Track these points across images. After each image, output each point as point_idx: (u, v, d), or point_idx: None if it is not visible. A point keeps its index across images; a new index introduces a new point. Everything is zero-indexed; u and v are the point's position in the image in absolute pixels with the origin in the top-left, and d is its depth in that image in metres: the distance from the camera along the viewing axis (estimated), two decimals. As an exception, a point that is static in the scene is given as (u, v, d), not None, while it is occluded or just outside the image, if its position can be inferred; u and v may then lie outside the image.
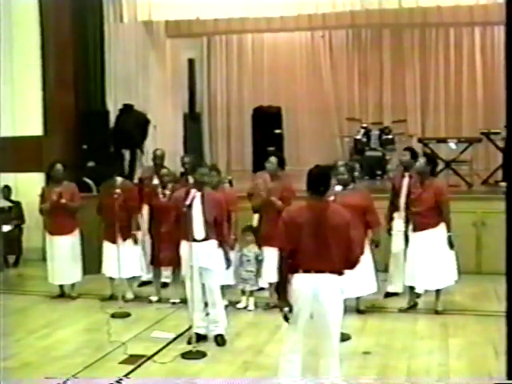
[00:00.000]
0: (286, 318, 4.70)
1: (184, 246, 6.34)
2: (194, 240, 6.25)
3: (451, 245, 7.06)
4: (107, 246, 8.01)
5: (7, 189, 10.19)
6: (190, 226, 6.21)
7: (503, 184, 8.53)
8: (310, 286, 4.62)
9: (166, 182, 7.94)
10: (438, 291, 7.28)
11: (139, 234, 8.16)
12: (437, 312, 7.20)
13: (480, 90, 13.99)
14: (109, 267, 8.01)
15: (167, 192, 7.89)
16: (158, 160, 8.50)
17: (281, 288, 4.79)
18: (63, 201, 8.08)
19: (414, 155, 7.72)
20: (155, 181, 8.35)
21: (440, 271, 7.12)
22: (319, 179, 4.78)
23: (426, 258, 7.07)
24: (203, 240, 6.33)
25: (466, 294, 7.91)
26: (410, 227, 7.27)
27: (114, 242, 7.73)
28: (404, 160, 7.80)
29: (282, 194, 7.39)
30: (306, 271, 4.64)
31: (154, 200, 7.98)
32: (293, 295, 4.69)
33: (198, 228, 6.31)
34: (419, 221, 7.10)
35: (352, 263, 4.84)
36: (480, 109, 13.88)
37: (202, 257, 6.28)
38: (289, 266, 4.71)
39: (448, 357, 5.93)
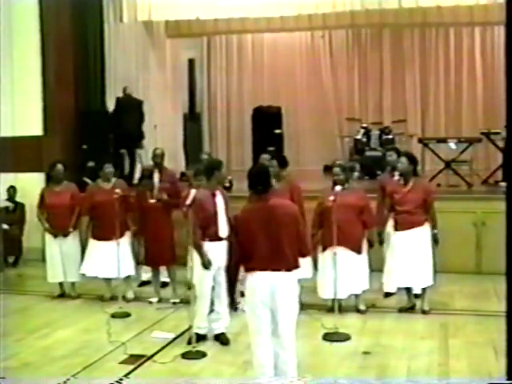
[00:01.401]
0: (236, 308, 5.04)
1: (209, 246, 6.33)
2: (220, 239, 6.28)
3: (436, 241, 7.10)
4: (100, 245, 7.97)
5: (12, 189, 10.20)
6: (216, 225, 6.24)
7: (503, 184, 8.53)
8: (267, 285, 4.63)
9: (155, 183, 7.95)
10: (423, 290, 7.26)
11: (127, 234, 8.06)
12: (423, 312, 7.19)
13: (480, 90, 13.98)
14: (104, 267, 7.97)
15: (155, 193, 7.89)
16: (158, 159, 8.52)
17: (232, 290, 4.91)
18: (70, 230, 8.17)
19: (399, 154, 7.77)
20: (155, 180, 8.36)
21: (427, 269, 7.13)
22: (257, 179, 4.81)
23: (414, 257, 7.07)
24: (226, 238, 6.31)
25: (466, 294, 7.92)
26: (391, 226, 7.28)
27: (105, 240, 7.77)
28: (391, 160, 7.84)
29: (291, 194, 7.14)
30: (262, 270, 4.65)
31: (143, 201, 7.97)
32: (251, 296, 4.71)
33: (223, 226, 6.33)
34: (406, 220, 7.11)
35: (306, 252, 4.93)
36: (480, 109, 13.87)
37: (222, 255, 6.28)
38: (238, 269, 4.79)
39: (448, 357, 5.93)
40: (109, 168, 8.09)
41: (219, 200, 6.36)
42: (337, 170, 7.17)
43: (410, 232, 7.10)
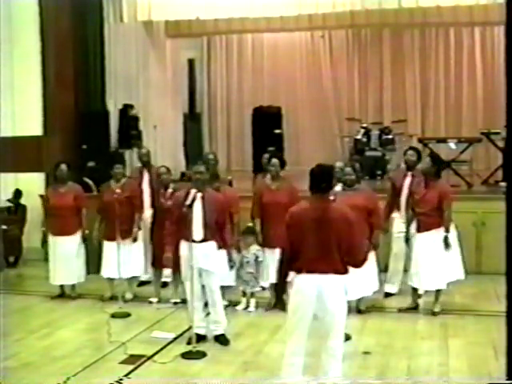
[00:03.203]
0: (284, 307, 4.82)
1: (183, 246, 6.34)
2: (193, 241, 6.26)
3: (447, 245, 7.07)
4: (108, 246, 8.00)
5: (19, 192, 10.18)
6: (190, 226, 6.21)
7: (503, 184, 8.51)
8: (314, 287, 4.57)
9: (166, 182, 7.90)
10: (437, 292, 7.28)
11: (140, 234, 8.11)
12: (434, 313, 7.20)
13: (480, 90, 14.00)
14: (109, 267, 7.99)
15: (168, 193, 7.86)
16: (145, 158, 8.52)
17: (280, 289, 4.79)
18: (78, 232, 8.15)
19: (419, 155, 7.75)
20: (145, 180, 8.34)
21: (442, 271, 7.14)
22: (322, 177, 4.72)
23: (430, 259, 7.08)
24: (202, 241, 6.30)
25: (465, 294, 7.91)
26: (413, 228, 7.26)
27: (111, 240, 7.76)
28: (412, 160, 7.75)
29: (290, 194, 7.20)
30: (310, 272, 4.59)
31: (156, 201, 7.95)
32: (296, 296, 4.66)
33: (197, 229, 6.29)
34: (423, 221, 7.11)
35: (359, 262, 4.83)
36: (480, 109, 13.89)
37: (201, 258, 6.27)
38: (289, 267, 4.69)
39: (448, 357, 5.94)
40: (118, 169, 8.11)
41: (196, 203, 6.24)
42: (348, 169, 7.07)
43: (427, 234, 7.08)
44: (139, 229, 8.07)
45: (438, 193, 7.09)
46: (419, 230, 7.15)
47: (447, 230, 7.07)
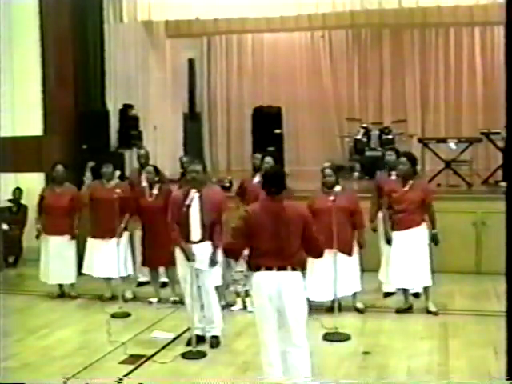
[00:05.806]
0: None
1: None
2: (191, 241, 6.24)
3: (436, 242, 7.10)
4: (94, 244, 8.00)
5: (18, 191, 10.19)
6: (188, 227, 6.21)
7: (503, 184, 8.51)
8: (273, 284, 4.71)
9: (152, 181, 7.87)
10: (426, 291, 7.27)
11: (125, 234, 8.07)
12: (429, 312, 7.19)
13: (480, 90, 13.98)
14: (97, 266, 7.98)
15: (154, 192, 7.84)
16: (143, 159, 8.49)
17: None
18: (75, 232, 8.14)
19: (398, 155, 7.78)
20: (144, 181, 8.33)
21: (426, 269, 7.13)
22: (273, 180, 4.90)
23: (412, 257, 7.07)
24: (199, 242, 6.29)
25: (465, 294, 7.92)
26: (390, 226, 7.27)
27: (103, 238, 7.79)
28: (391, 160, 7.83)
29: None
30: (268, 269, 4.73)
31: (142, 201, 7.92)
32: (257, 294, 4.80)
33: (195, 229, 6.28)
34: (403, 219, 7.10)
35: (318, 254, 5.02)
36: (480, 109, 13.87)
37: (198, 258, 6.26)
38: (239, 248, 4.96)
39: (448, 357, 5.94)
40: (107, 168, 8.11)
41: (194, 203, 6.23)
42: (328, 171, 7.15)
43: (407, 232, 7.09)
44: (125, 229, 8.00)
45: (420, 191, 7.13)
46: (397, 228, 7.14)
47: (434, 227, 7.09)
